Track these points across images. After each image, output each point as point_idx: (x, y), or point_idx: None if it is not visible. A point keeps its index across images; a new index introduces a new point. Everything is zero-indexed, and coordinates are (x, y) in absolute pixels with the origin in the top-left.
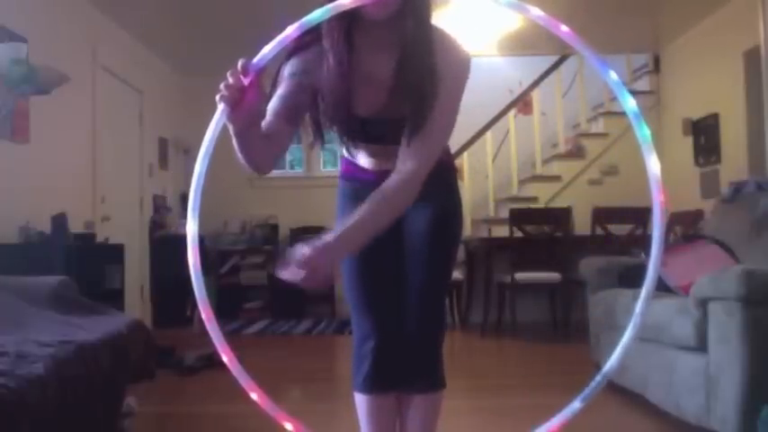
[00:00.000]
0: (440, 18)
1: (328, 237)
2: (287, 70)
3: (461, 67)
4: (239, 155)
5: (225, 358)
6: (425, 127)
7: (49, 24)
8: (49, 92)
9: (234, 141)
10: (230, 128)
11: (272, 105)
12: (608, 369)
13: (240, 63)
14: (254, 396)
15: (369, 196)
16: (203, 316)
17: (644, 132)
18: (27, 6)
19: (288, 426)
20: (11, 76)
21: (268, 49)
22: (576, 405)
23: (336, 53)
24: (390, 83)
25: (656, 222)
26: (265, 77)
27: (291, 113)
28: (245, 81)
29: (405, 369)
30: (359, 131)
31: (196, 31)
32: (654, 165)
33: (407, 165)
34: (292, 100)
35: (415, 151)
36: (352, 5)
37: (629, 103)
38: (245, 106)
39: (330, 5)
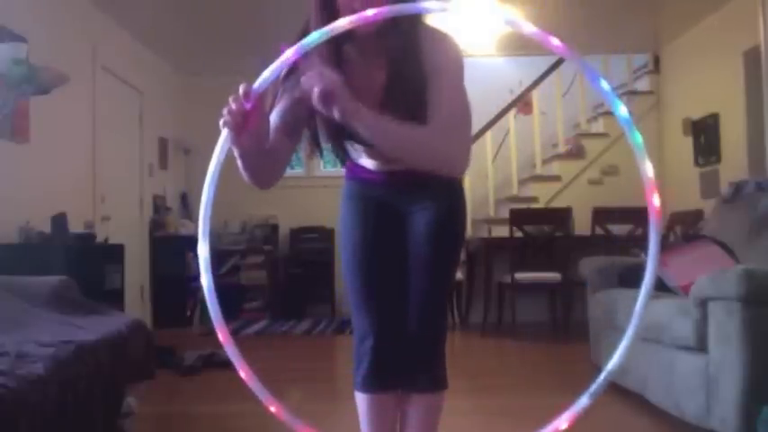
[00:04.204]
0: (440, 18)
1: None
2: (283, 87)
3: (457, 58)
4: (243, 173)
5: (243, 374)
6: (441, 114)
7: (49, 24)
8: (49, 92)
9: (239, 163)
10: (235, 151)
11: (270, 120)
12: (612, 368)
13: (242, 88)
14: (272, 409)
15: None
16: (220, 338)
17: (636, 139)
18: (27, 6)
19: None
20: (11, 76)
21: (268, 73)
22: (584, 401)
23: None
24: (381, 94)
25: (652, 229)
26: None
27: (289, 127)
28: (248, 106)
29: (405, 369)
30: (355, 139)
31: (196, 31)
32: (648, 170)
33: (435, 121)
34: (290, 114)
35: (437, 125)
36: (349, 27)
37: (621, 111)
38: (248, 130)
39: (327, 28)
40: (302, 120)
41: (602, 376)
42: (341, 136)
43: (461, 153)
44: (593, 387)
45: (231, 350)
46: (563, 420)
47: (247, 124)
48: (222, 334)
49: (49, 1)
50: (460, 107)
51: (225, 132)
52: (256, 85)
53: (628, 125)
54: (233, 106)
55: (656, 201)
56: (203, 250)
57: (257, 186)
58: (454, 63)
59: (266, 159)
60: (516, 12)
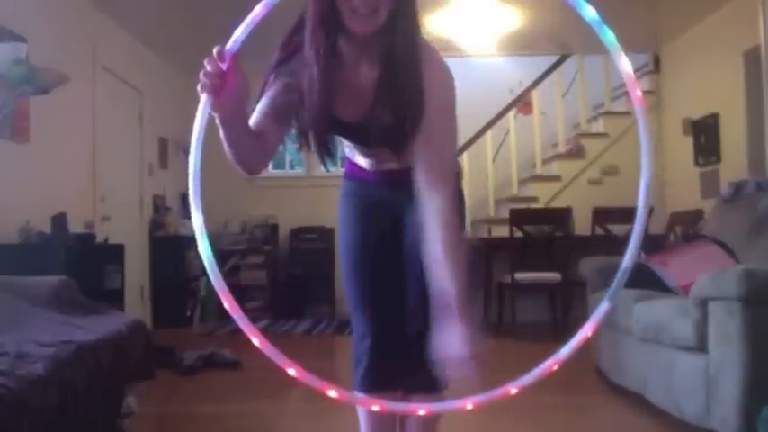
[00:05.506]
0: (440, 18)
1: (457, 325)
2: (274, 75)
3: (448, 83)
4: (228, 151)
5: (255, 341)
6: (430, 143)
7: (49, 24)
8: (49, 92)
9: (221, 134)
10: (216, 117)
11: (260, 105)
12: (626, 266)
13: (216, 49)
14: (291, 371)
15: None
16: (225, 304)
17: (608, 37)
18: (27, 6)
19: (331, 393)
20: (11, 76)
21: (240, 32)
22: (605, 305)
23: (320, 66)
24: (371, 94)
25: (641, 119)
26: (242, 61)
27: (279, 113)
28: (224, 67)
29: (405, 369)
30: (345, 136)
31: (197, 31)
32: (627, 67)
33: (432, 186)
34: (280, 99)
35: (431, 170)
36: None
37: (589, 12)
38: (227, 92)
39: None
40: (292, 106)
41: (618, 276)
42: (324, 132)
43: (450, 171)
44: (611, 290)
45: (239, 317)
46: (587, 328)
47: (225, 85)
48: (227, 301)
49: (49, 1)
50: (449, 137)
51: (204, 97)
52: (229, 45)
53: (598, 26)
54: (208, 68)
55: (638, 92)
56: (197, 219)
57: (244, 170)
58: (444, 88)
59: (254, 142)
60: (516, 11)
